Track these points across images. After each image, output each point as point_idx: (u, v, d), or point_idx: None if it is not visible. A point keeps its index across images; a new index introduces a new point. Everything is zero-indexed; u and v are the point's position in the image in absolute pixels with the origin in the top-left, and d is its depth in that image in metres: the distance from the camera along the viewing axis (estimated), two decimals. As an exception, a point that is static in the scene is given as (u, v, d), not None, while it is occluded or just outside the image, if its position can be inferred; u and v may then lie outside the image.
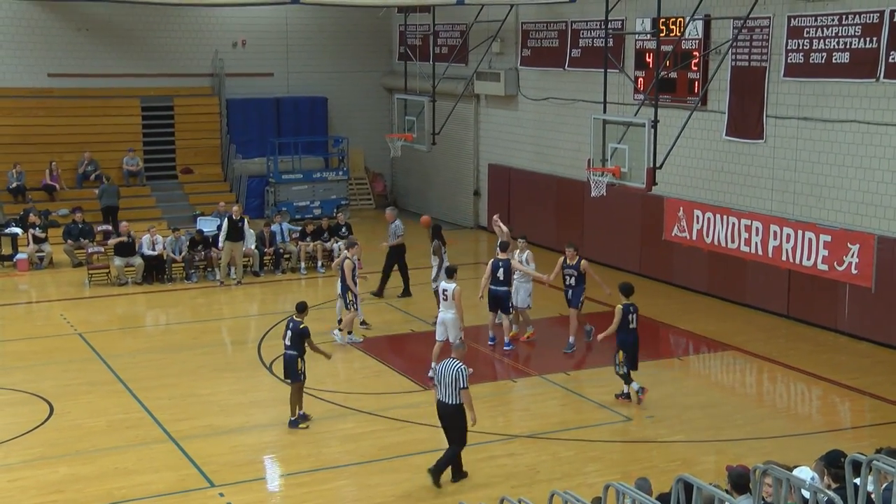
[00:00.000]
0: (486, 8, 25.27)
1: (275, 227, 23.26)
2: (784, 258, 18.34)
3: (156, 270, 22.04)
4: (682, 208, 20.46)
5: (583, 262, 16.76)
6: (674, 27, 20.07)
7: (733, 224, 19.31)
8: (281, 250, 23.01)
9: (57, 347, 17.57)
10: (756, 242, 18.85)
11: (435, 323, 18.75)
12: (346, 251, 17.63)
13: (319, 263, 23.02)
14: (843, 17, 17.25)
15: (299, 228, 23.62)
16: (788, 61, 18.33)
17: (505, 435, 13.40)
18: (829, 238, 17.56)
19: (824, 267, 17.65)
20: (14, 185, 26.14)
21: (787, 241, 18.25)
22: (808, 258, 17.91)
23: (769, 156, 19.03)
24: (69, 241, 23.36)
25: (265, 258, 22.92)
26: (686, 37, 19.94)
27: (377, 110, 31.22)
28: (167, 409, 14.42)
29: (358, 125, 30.89)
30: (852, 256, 17.16)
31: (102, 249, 22.79)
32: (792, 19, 18.18)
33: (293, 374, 13.75)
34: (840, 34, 17.34)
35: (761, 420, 14.22)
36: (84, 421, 14.04)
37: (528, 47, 25.50)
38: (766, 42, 18.70)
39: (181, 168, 29.12)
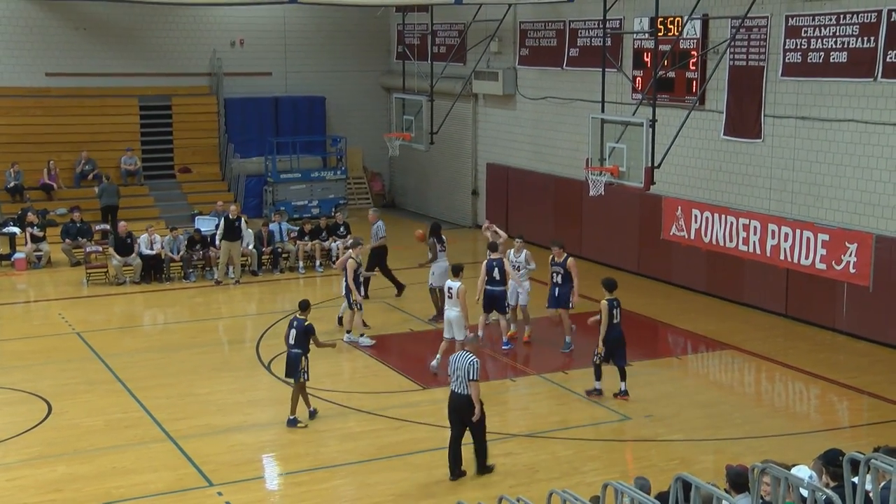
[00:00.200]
0: (484, 7, 25.27)
1: (273, 227, 23.24)
2: (782, 257, 18.35)
3: (154, 270, 22.02)
4: (680, 208, 20.47)
5: (569, 259, 16.73)
6: (672, 27, 20.08)
7: (731, 223, 19.32)
8: (279, 250, 23.00)
9: (55, 347, 17.56)
10: (754, 242, 18.86)
11: (430, 320, 18.84)
12: (349, 251, 17.61)
13: (318, 263, 23.01)
14: (841, 16, 17.26)
15: (297, 228, 23.60)
16: (786, 61, 18.34)
17: (503, 434, 13.39)
18: (827, 237, 17.57)
19: (822, 266, 17.66)
20: (12, 184, 26.13)
21: (786, 241, 18.27)
22: (806, 257, 17.92)
23: (767, 155, 19.04)
24: (67, 241, 23.35)
25: (263, 257, 22.91)
26: (684, 36, 19.94)
27: (375, 110, 31.22)
28: (165, 409, 14.41)
29: (356, 124, 30.89)
30: (850, 256, 17.17)
31: (100, 249, 22.77)
32: (790, 19, 18.19)
33: (295, 372, 13.73)
34: (838, 34, 17.36)
35: (760, 419, 14.23)
36: (82, 420, 14.03)
37: (527, 47, 25.51)
38: (764, 41, 18.71)
39: (179, 167, 29.11)
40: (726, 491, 7.61)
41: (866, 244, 16.96)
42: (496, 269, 16.49)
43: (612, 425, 13.92)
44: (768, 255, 18.62)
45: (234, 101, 29.54)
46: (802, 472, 7.59)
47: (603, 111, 18.87)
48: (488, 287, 16.48)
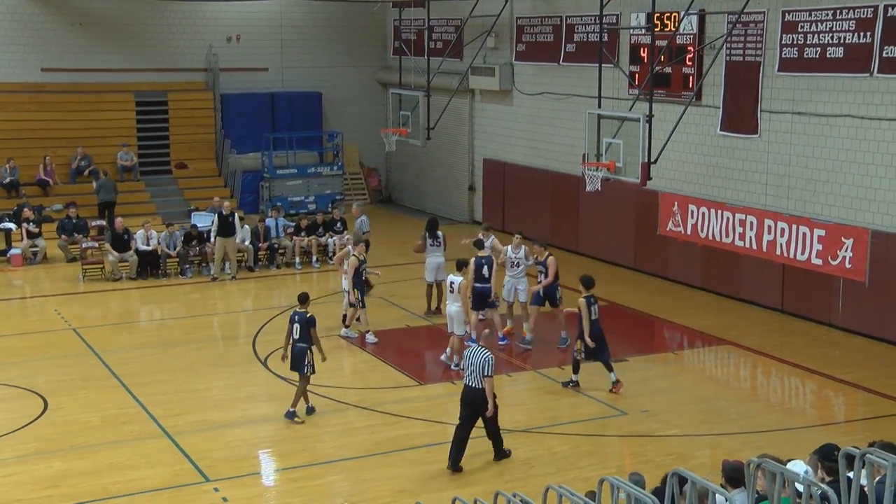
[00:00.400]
0: (480, 3, 25.25)
1: (269, 222, 23.23)
2: (778, 252, 18.37)
3: (150, 266, 22.02)
4: (676, 203, 20.47)
5: (550, 258, 16.72)
6: (668, 22, 20.07)
7: (728, 219, 19.33)
8: (275, 245, 22.99)
9: (51, 343, 17.54)
10: (750, 237, 18.88)
11: (424, 314, 18.86)
12: (351, 248, 17.59)
13: (314, 259, 23.00)
14: (838, 11, 17.26)
15: (294, 223, 23.58)
16: (783, 56, 18.34)
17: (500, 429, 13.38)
18: (823, 232, 17.58)
19: (818, 261, 17.67)
20: (8, 179, 26.09)
21: (782, 236, 18.28)
22: (802, 252, 17.93)
23: (763, 150, 19.05)
24: (63, 237, 23.32)
25: (260, 253, 22.90)
26: (680, 32, 19.93)
27: (372, 105, 31.20)
28: (162, 405, 14.40)
29: (353, 120, 30.88)
30: (846, 251, 17.18)
31: (97, 244, 22.75)
32: (786, 14, 18.19)
33: (300, 366, 13.73)
34: (834, 29, 17.35)
35: (755, 414, 14.25)
36: (78, 416, 14.02)
37: (523, 42, 25.49)
38: (761, 37, 18.71)
39: (175, 163, 29.07)
40: (722, 486, 7.61)
41: (862, 239, 16.97)
42: (485, 267, 16.51)
43: (607, 421, 13.93)
44: (764, 250, 18.63)
45: (231, 97, 29.51)
46: (798, 466, 7.59)
47: (599, 106, 18.85)
48: (477, 285, 16.41)
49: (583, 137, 18.71)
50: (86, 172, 27.13)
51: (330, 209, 25.75)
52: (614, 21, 21.81)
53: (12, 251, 23.16)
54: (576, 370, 14.99)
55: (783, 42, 18.29)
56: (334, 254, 21.32)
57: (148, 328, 19.30)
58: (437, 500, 11.03)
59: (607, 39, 21.07)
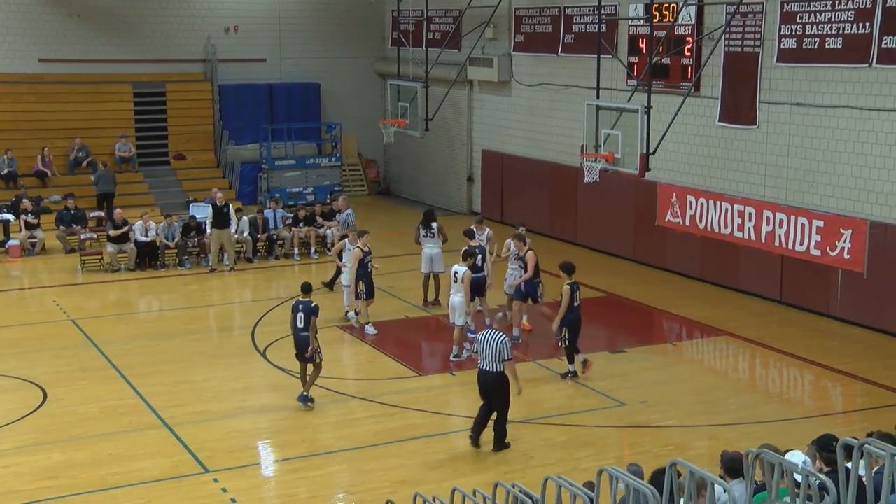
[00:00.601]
0: (479, -7, 25.19)
1: (268, 213, 23.22)
2: (777, 243, 18.37)
3: (149, 257, 22.01)
4: (675, 194, 20.47)
5: (529, 253, 16.68)
6: (667, 13, 20.05)
7: (726, 210, 19.32)
8: (274, 236, 22.98)
9: (50, 334, 17.55)
10: (749, 228, 18.88)
11: (422, 306, 18.87)
12: (350, 240, 17.55)
13: (313, 249, 23.00)
14: (836, 2, 17.23)
15: (292, 215, 23.57)
16: (781, 47, 18.32)
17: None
18: (821, 223, 17.58)
19: (817, 252, 17.68)
20: (6, 171, 26.05)
21: (780, 227, 18.27)
22: (801, 243, 17.93)
23: (762, 141, 19.04)
24: (61, 228, 23.31)
25: (258, 244, 22.89)
26: (679, 22, 19.91)
27: (370, 96, 31.14)
28: (161, 396, 14.41)
29: (351, 111, 30.83)
30: (845, 242, 17.19)
31: (95, 235, 22.73)
32: (785, 4, 18.16)
33: (307, 355, 13.74)
34: (833, 19, 17.33)
35: (754, 405, 14.26)
36: (77, 407, 14.04)
37: (522, 33, 25.45)
38: (759, 27, 18.68)
39: (174, 154, 29.03)
40: (721, 477, 7.63)
41: (861, 230, 16.98)
42: (479, 257, 16.55)
43: (606, 411, 13.95)
44: (763, 241, 18.63)
45: (229, 88, 29.46)
46: (796, 457, 7.61)
47: (598, 97, 18.82)
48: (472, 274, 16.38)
49: (581, 128, 18.68)
50: (84, 163, 27.09)
51: (328, 200, 25.72)
52: (613, 12, 21.77)
53: (11, 242, 23.14)
54: (570, 360, 15.01)
55: (782, 32, 18.26)
56: (332, 245, 21.32)
57: (147, 319, 19.30)
58: (437, 490, 11.00)
59: (606, 30, 21.03)
